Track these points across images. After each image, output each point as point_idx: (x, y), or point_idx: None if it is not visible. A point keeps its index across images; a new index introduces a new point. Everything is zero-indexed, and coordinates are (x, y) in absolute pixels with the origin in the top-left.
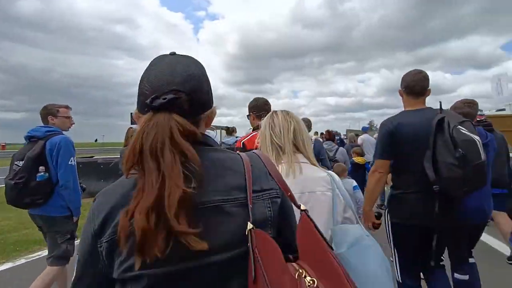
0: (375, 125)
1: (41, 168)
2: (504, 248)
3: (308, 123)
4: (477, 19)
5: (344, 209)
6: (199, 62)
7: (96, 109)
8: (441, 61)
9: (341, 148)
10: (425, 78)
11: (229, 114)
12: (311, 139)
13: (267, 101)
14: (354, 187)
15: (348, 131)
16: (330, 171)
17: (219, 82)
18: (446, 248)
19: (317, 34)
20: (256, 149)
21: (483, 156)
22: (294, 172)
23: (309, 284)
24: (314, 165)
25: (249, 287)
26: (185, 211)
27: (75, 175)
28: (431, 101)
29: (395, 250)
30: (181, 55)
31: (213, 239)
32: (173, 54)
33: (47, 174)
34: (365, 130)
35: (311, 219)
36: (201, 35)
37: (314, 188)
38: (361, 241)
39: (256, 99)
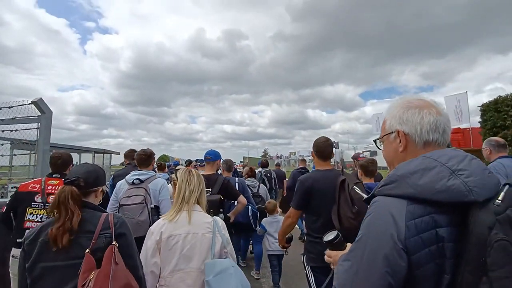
0: (268, 154)
1: None
2: None
3: (230, 163)
4: (341, 71)
5: (223, 245)
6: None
7: None
8: (318, 101)
9: (261, 185)
10: (331, 145)
11: (119, 136)
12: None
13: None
14: None
15: (244, 158)
16: (215, 217)
17: (108, 100)
18: None
19: (216, 64)
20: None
21: None
22: (188, 217)
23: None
24: (203, 212)
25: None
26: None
27: None
28: (313, 135)
29: None
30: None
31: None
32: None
33: None
34: (259, 163)
35: (115, 251)
36: (89, 47)
37: (198, 231)
38: (225, 271)
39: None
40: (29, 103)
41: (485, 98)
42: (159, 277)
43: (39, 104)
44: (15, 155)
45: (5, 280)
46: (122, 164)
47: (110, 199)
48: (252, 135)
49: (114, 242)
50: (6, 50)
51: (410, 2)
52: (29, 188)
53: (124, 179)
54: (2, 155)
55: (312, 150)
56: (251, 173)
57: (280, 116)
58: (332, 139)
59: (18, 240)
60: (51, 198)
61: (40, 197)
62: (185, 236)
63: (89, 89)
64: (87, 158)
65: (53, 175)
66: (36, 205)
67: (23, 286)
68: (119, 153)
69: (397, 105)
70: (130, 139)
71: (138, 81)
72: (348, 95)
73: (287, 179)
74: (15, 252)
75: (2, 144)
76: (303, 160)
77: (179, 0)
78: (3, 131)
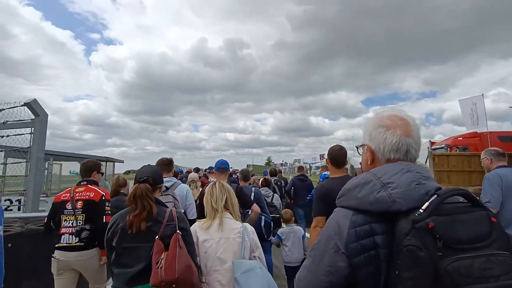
0: (272, 161)
1: None
2: None
3: (247, 173)
4: (343, 79)
5: (252, 250)
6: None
7: None
8: (321, 109)
9: (275, 194)
10: (345, 153)
11: (123, 145)
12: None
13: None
14: (303, 236)
15: (248, 165)
16: (244, 223)
17: (112, 110)
18: None
19: (218, 73)
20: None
21: None
22: (220, 224)
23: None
24: (236, 219)
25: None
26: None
27: (1, 250)
28: (316, 142)
29: None
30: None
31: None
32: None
33: None
34: (265, 173)
35: (179, 238)
36: (93, 58)
37: (229, 236)
38: (252, 270)
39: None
40: (22, 105)
41: (489, 103)
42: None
43: (32, 105)
44: (4, 163)
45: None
46: (126, 172)
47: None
48: (255, 142)
49: (178, 231)
50: (13, 63)
51: (411, 9)
52: (62, 198)
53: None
54: None
55: (326, 158)
56: (266, 183)
57: (282, 124)
58: None
59: (56, 245)
60: (79, 204)
61: (70, 204)
62: (218, 241)
63: (93, 99)
64: None
65: (81, 183)
66: (67, 212)
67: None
68: (123, 161)
69: (371, 121)
70: (133, 147)
71: (142, 91)
72: (351, 102)
73: None
74: (56, 253)
75: None
76: (301, 167)
77: (181, 11)
78: None
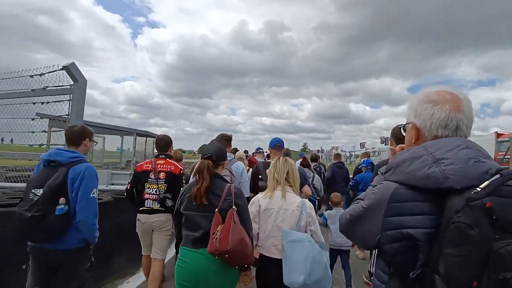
0: (308, 148)
1: (62, 199)
2: None
3: (288, 152)
4: (388, 64)
5: (309, 223)
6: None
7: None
8: (362, 95)
9: (316, 176)
10: None
11: (164, 125)
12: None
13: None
14: None
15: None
16: (304, 199)
17: (155, 91)
18: None
19: (257, 57)
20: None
21: None
22: (282, 196)
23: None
24: (296, 194)
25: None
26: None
27: (96, 210)
28: (355, 130)
29: None
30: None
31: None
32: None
33: (67, 207)
34: (301, 155)
35: (234, 213)
36: (139, 41)
37: (289, 208)
38: (300, 241)
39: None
40: (60, 69)
41: None
42: (257, 239)
43: (70, 69)
44: (44, 131)
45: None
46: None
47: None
48: (290, 128)
49: (233, 207)
50: (70, 45)
51: None
52: (144, 168)
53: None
54: (33, 132)
55: (390, 137)
56: (306, 163)
57: (320, 110)
58: (376, 135)
59: (139, 208)
60: (161, 175)
61: (153, 174)
62: (278, 210)
63: (138, 80)
64: (129, 140)
65: (160, 156)
66: (151, 181)
67: (177, 224)
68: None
69: (417, 97)
70: (174, 128)
71: (183, 73)
72: (395, 89)
73: None
74: (139, 217)
75: (33, 119)
76: (338, 155)
77: None
78: (34, 103)
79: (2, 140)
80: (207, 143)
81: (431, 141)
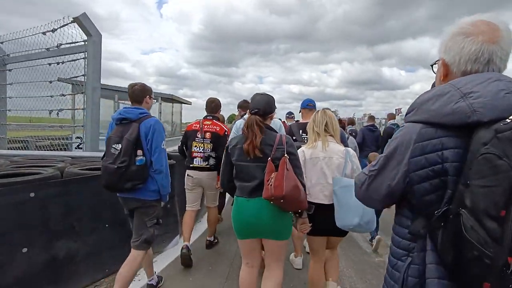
0: (338, 115)
1: (139, 151)
2: None
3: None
4: (428, 23)
5: (354, 171)
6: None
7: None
8: (396, 59)
9: (351, 137)
10: None
11: (193, 96)
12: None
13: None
14: None
15: None
16: (347, 147)
17: (182, 62)
18: None
19: (284, 22)
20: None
21: None
22: (324, 145)
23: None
24: (337, 143)
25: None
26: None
27: (167, 160)
28: (388, 97)
29: None
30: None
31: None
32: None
33: (144, 158)
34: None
35: (287, 161)
36: (164, 11)
37: (332, 156)
38: (349, 186)
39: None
40: (71, 21)
41: None
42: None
43: (82, 21)
44: (62, 95)
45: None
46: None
47: (230, 135)
48: (320, 95)
49: (286, 155)
50: (98, 19)
51: None
52: (193, 127)
53: (242, 119)
54: (51, 96)
55: None
56: (341, 125)
57: (351, 76)
58: (412, 102)
59: (189, 165)
60: (207, 135)
61: (200, 134)
62: (323, 159)
63: (166, 51)
64: (154, 107)
65: (207, 117)
66: (198, 140)
67: (226, 173)
68: (190, 103)
69: (450, 30)
70: (202, 98)
71: (209, 42)
72: (434, 51)
73: None
74: (189, 172)
75: (51, 82)
76: (372, 117)
77: None
78: (50, 64)
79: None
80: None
81: (459, 78)
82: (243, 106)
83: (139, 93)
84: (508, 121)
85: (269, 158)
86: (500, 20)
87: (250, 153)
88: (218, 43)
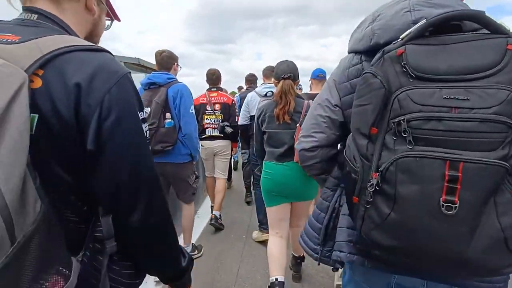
0: None
1: (168, 115)
2: None
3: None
4: None
5: None
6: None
7: None
8: None
9: None
10: None
11: (191, 74)
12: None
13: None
14: None
15: None
16: None
17: (178, 41)
18: None
19: None
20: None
21: None
22: None
23: None
24: None
25: None
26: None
27: (196, 124)
28: None
29: None
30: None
31: None
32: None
33: (173, 122)
34: None
35: None
36: None
37: None
38: None
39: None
40: None
41: None
42: None
43: None
44: None
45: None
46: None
47: (242, 109)
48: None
49: None
50: None
51: None
52: (200, 101)
53: (253, 92)
54: None
55: None
56: None
57: None
58: None
59: (202, 136)
60: (216, 106)
61: (209, 106)
62: None
63: (161, 30)
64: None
65: (212, 89)
66: (208, 112)
67: (258, 140)
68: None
69: None
70: (200, 77)
71: (205, 19)
72: None
73: None
74: (202, 143)
75: None
76: None
77: None
78: None
79: None
80: (237, 91)
81: None
82: (250, 79)
83: (168, 60)
84: (398, 41)
85: (297, 125)
86: None
87: (280, 118)
88: (214, 19)
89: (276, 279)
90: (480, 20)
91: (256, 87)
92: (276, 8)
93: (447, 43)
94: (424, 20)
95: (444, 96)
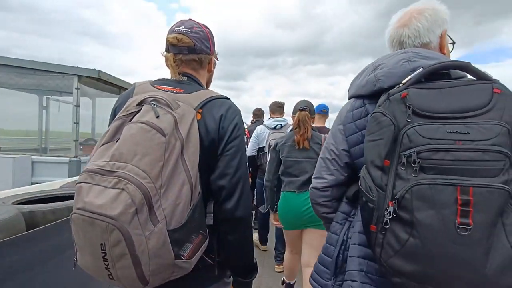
0: None
1: None
2: None
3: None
4: None
5: None
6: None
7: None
8: None
9: None
10: None
11: None
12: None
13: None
14: None
15: None
16: None
17: None
18: None
19: (290, 35)
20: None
21: None
22: None
23: None
24: None
25: None
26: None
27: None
28: None
29: None
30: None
31: None
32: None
33: None
34: None
35: None
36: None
37: None
38: None
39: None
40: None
41: None
42: None
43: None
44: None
45: None
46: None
47: (250, 142)
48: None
49: None
50: (111, 35)
51: None
52: None
53: (262, 125)
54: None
55: None
56: None
57: None
58: None
59: None
60: None
61: None
62: None
63: None
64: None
65: None
66: None
67: (272, 170)
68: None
69: None
70: None
71: (217, 57)
72: None
73: None
74: None
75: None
76: None
77: None
78: None
79: None
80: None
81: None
82: (257, 113)
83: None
84: (401, 85)
85: (319, 155)
86: (425, 3)
87: (301, 144)
88: (226, 57)
89: (289, 283)
90: (469, 69)
91: (263, 121)
92: (286, 47)
93: (443, 87)
94: (421, 69)
95: (447, 131)
